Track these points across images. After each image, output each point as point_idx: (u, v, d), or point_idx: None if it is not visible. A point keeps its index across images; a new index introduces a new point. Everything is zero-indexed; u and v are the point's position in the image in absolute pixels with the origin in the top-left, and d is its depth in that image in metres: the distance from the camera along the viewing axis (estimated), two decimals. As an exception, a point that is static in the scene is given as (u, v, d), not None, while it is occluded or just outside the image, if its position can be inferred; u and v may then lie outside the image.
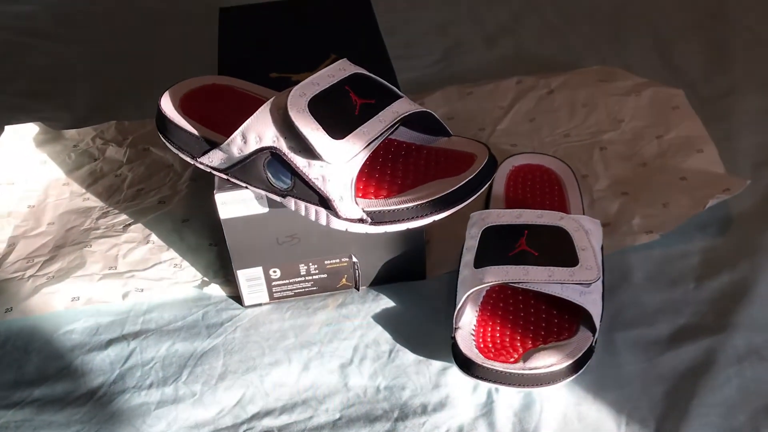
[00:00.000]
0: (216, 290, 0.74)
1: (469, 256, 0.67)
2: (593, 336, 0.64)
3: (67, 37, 1.17)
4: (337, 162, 0.56)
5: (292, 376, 0.66)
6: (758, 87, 0.96)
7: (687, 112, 0.88)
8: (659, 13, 1.12)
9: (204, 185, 0.85)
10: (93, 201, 0.86)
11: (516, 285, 0.63)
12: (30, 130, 0.94)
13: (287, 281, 0.71)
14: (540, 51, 1.06)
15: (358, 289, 0.73)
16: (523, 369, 0.61)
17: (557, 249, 0.65)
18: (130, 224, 0.82)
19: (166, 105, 0.66)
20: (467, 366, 0.62)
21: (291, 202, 0.60)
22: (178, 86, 0.68)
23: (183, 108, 0.66)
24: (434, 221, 0.58)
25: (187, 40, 1.14)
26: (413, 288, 0.73)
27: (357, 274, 0.71)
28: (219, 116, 0.65)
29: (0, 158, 0.90)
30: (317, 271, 0.71)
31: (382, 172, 0.61)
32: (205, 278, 0.75)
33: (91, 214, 0.84)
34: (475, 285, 0.64)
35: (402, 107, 0.59)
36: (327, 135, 0.56)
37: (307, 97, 0.57)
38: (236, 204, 0.64)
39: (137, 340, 0.70)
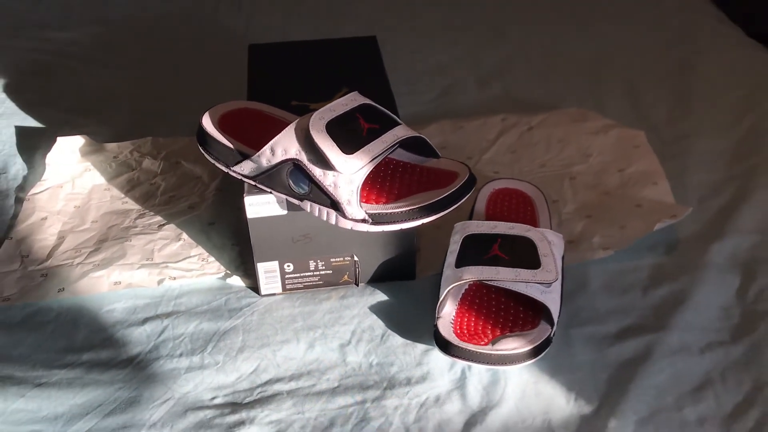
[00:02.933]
0: (237, 282, 0.87)
1: (451, 258, 0.80)
2: (551, 328, 0.77)
3: (107, 61, 1.32)
4: (347, 172, 0.70)
5: (300, 352, 0.79)
6: (713, 131, 1.10)
7: (646, 150, 1.02)
8: (635, 64, 1.27)
9: (228, 195, 0.99)
10: (131, 204, 1.00)
11: (488, 282, 0.77)
12: (77, 142, 1.08)
13: (298, 275, 0.84)
14: (526, 93, 1.21)
15: (358, 285, 0.86)
16: (492, 350, 0.74)
17: (524, 254, 0.78)
18: (164, 224, 0.95)
19: (207, 122, 0.80)
20: (445, 347, 0.75)
21: (307, 205, 0.74)
22: (215, 108, 0.82)
23: (220, 125, 0.80)
24: (423, 224, 0.72)
25: (212, 71, 1.29)
26: (404, 286, 0.86)
27: (357, 272, 0.84)
28: (250, 134, 0.79)
29: (52, 164, 1.03)
30: (324, 268, 0.84)
31: (382, 184, 0.75)
32: (228, 271, 0.88)
33: (130, 215, 0.97)
34: (455, 281, 0.77)
35: (401, 132, 0.73)
36: (340, 151, 0.70)
37: (325, 120, 0.71)
38: (261, 206, 0.77)
39: (170, 319, 0.83)
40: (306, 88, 0.92)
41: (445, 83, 1.24)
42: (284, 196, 0.75)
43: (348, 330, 0.81)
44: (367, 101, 0.75)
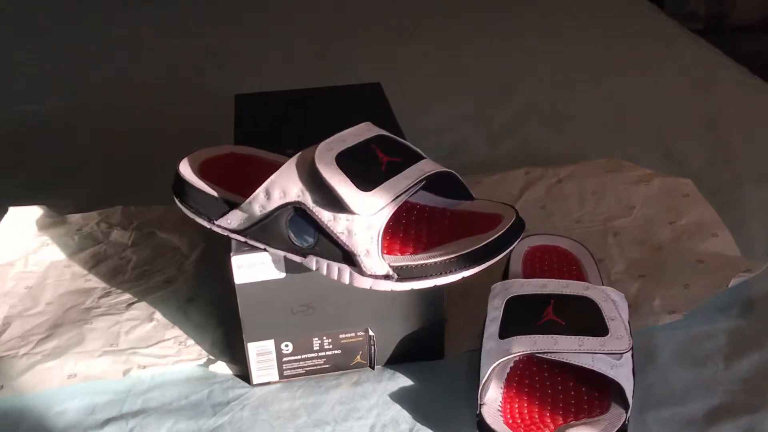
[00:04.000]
0: (222, 368, 0.70)
1: (493, 327, 0.64)
2: (626, 413, 0.60)
3: (76, 132, 1.18)
4: (365, 213, 0.54)
5: (305, 455, 0.61)
6: (764, 178, 0.97)
7: (697, 198, 0.89)
8: (659, 115, 1.15)
9: (210, 266, 0.83)
10: (95, 282, 0.83)
11: (544, 356, 0.61)
12: (33, 212, 0.92)
13: (299, 357, 0.67)
14: (543, 147, 1.08)
15: (374, 368, 0.69)
16: (557, 443, 0.57)
17: (585, 319, 0.63)
18: (133, 303, 0.78)
19: (185, 169, 0.65)
20: (494, 440, 0.58)
21: (312, 261, 0.58)
22: (196, 153, 0.68)
23: (201, 173, 0.65)
24: (463, 278, 0.56)
25: (191, 139, 1.15)
26: (432, 367, 0.70)
27: (373, 351, 0.68)
28: (238, 180, 0.64)
29: (2, 238, 0.87)
30: (331, 346, 0.67)
31: (406, 232, 0.60)
32: (211, 356, 0.71)
33: (93, 294, 0.81)
34: (501, 356, 0.61)
35: (427, 166, 0.59)
36: (355, 187, 0.55)
37: (335, 151, 0.56)
38: (253, 268, 0.62)
39: (137, 419, 0.65)
40: (304, 137, 0.78)
41: (453, 139, 1.11)
42: (282, 253, 0.60)
43: (365, 425, 0.63)
44: (384, 132, 0.61)
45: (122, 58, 1.44)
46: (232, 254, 0.61)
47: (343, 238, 0.55)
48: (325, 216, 0.56)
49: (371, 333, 0.67)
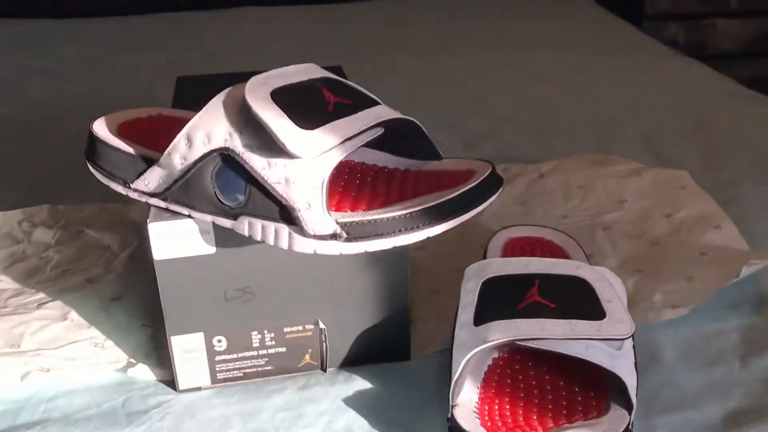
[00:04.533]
0: (144, 373, 0.58)
1: (467, 314, 0.54)
2: (629, 415, 0.49)
3: (8, 138, 1.08)
4: (306, 154, 0.44)
5: (235, 471, 0.49)
6: (763, 177, 0.88)
7: (696, 190, 0.79)
8: (645, 121, 1.07)
9: (144, 264, 0.72)
10: (6, 283, 0.71)
11: (528, 345, 0.50)
12: (-57, 212, 0.81)
13: (235, 356, 0.56)
14: (523, 151, 0.99)
15: (325, 370, 0.58)
16: (548, 447, 0.46)
17: (578, 301, 0.52)
18: (46, 302, 0.67)
19: (99, 127, 0.54)
20: (468, 443, 0.46)
21: (244, 223, 0.47)
22: (116, 114, 0.57)
23: (120, 133, 0.55)
24: (428, 238, 0.46)
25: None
26: (395, 370, 0.58)
27: (324, 348, 0.57)
28: (162, 140, 0.53)
29: None
30: (274, 343, 0.56)
31: (359, 191, 0.50)
32: (132, 359, 0.60)
33: (1, 296, 0.69)
34: (476, 345, 0.50)
35: (384, 111, 0.49)
36: (293, 124, 0.45)
37: (271, 86, 0.46)
38: (175, 239, 0.51)
39: (33, 431, 0.53)
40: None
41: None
42: (210, 218, 0.49)
43: (316, 431, 0.52)
44: (333, 75, 0.51)
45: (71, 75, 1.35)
46: (148, 221, 0.50)
47: (280, 189, 0.45)
48: (257, 163, 0.45)
49: (322, 326, 0.56)
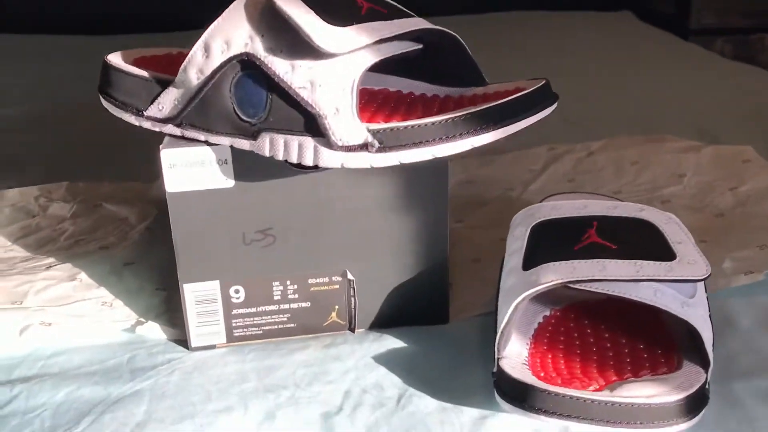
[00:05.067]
0: (153, 332, 0.53)
1: (514, 260, 0.47)
2: (705, 372, 0.42)
3: (30, 131, 1.05)
4: (335, 49, 0.39)
5: (248, 426, 0.43)
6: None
7: (761, 164, 0.73)
8: (699, 114, 1.01)
9: (162, 232, 0.67)
10: (17, 252, 0.67)
11: (587, 287, 0.43)
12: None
13: (254, 310, 0.50)
14: (561, 137, 0.92)
15: (354, 330, 0.52)
16: (614, 397, 0.39)
17: (643, 242, 0.46)
18: (55, 265, 0.62)
19: (114, 58, 0.50)
20: (524, 395, 0.39)
21: (265, 141, 0.42)
22: (132, 50, 0.53)
23: (136, 63, 0.51)
24: (473, 148, 0.40)
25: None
26: (431, 331, 0.52)
27: (353, 304, 0.51)
28: (179, 66, 0.49)
29: None
30: (297, 296, 0.50)
31: (394, 112, 0.44)
32: (141, 319, 0.54)
33: (11, 262, 0.65)
34: (527, 289, 0.44)
35: (422, 23, 0.44)
36: (322, 21, 0.40)
37: (297, -15, 0.42)
38: (190, 169, 0.46)
39: (25, 385, 0.47)
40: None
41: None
42: (228, 141, 0.44)
43: (337, 390, 0.46)
44: (367, -11, 0.47)
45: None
46: (161, 148, 0.46)
47: (305, 94, 0.40)
48: (280, 67, 0.40)
49: (351, 277, 0.50)
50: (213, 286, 0.49)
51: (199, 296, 0.50)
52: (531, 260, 0.46)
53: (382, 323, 0.52)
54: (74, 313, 0.55)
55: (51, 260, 0.63)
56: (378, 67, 0.46)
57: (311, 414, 0.43)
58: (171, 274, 0.55)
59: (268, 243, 0.49)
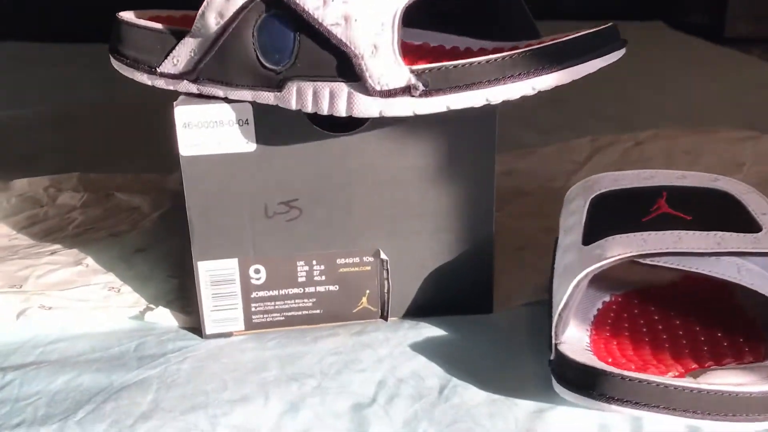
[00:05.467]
0: (164, 319, 0.48)
1: (571, 236, 0.42)
2: (800, 361, 0.36)
3: (49, 129, 1.02)
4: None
5: (268, 418, 0.37)
6: None
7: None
8: (746, 111, 0.95)
9: (175, 221, 0.62)
10: (22, 240, 0.62)
11: (660, 262, 0.38)
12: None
13: (276, 293, 0.45)
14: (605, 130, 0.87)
15: (387, 318, 0.46)
16: (700, 384, 0.33)
17: (722, 213, 0.40)
18: (60, 251, 0.57)
19: (127, 14, 0.46)
20: (592, 382, 0.34)
21: (291, 91, 0.37)
22: (146, 11, 0.49)
23: (151, 20, 0.46)
24: (534, 91, 0.34)
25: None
26: (474, 322, 0.46)
27: (386, 289, 0.45)
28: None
29: None
30: (324, 278, 0.45)
31: (437, 60, 0.39)
32: (151, 305, 0.49)
33: (14, 249, 0.60)
34: (590, 264, 0.38)
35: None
36: (357, -56, 0.35)
37: None
38: (206, 130, 0.41)
39: (20, 372, 0.42)
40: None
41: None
42: (250, 93, 0.39)
43: (370, 380, 0.40)
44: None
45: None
46: (175, 104, 0.41)
47: (338, 31, 0.35)
48: (310, 3, 0.36)
49: (384, 257, 0.45)
50: (231, 265, 0.44)
51: (215, 276, 0.44)
52: (593, 234, 0.40)
53: (418, 311, 0.46)
54: (78, 297, 0.50)
55: (56, 246, 0.59)
56: (416, 22, 0.41)
57: (340, 405, 0.38)
58: (185, 262, 0.50)
59: (292, 216, 0.44)
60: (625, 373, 0.33)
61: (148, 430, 0.37)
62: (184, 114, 0.41)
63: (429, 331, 0.44)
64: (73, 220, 0.66)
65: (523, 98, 0.36)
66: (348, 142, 0.42)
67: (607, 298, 0.43)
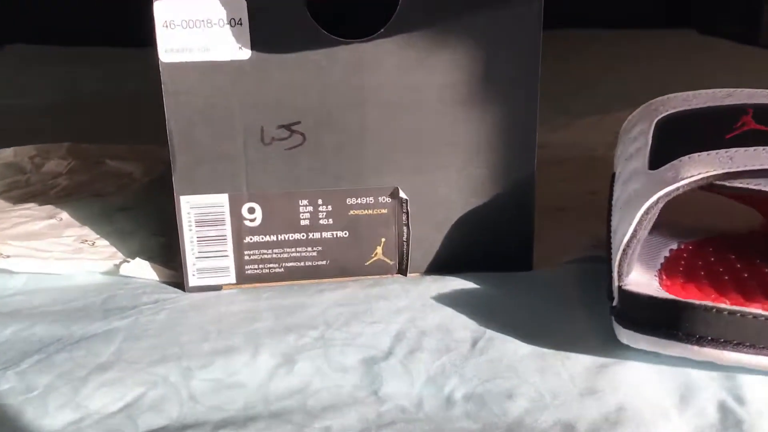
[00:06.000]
0: (141, 271, 0.40)
1: (636, 162, 0.34)
2: None
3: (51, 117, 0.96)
4: None
5: (256, 371, 0.30)
6: None
7: None
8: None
9: (168, 185, 0.55)
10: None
11: (750, 183, 0.30)
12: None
13: (273, 238, 0.38)
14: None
15: (405, 273, 0.39)
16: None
17: (823, 129, 0.32)
18: (34, 207, 0.50)
19: None
20: (676, 320, 0.26)
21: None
22: None
23: None
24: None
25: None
26: (510, 278, 0.39)
27: (406, 236, 0.38)
28: None
29: None
30: (331, 221, 0.38)
31: None
32: (127, 259, 0.42)
33: (-13, 211, 0.53)
34: (663, 187, 0.30)
35: None
36: None
37: None
38: (192, 31, 0.34)
39: (-36, 323, 0.35)
40: None
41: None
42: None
43: (386, 332, 0.32)
44: None
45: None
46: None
47: None
48: None
49: (404, 197, 0.37)
50: (220, 202, 0.37)
51: (201, 215, 0.37)
52: (663, 156, 0.32)
53: (444, 266, 0.39)
54: (43, 248, 0.43)
55: (31, 204, 0.52)
56: None
57: (348, 359, 0.30)
58: (174, 222, 0.43)
59: (294, 144, 0.36)
60: (723, 306, 0.25)
61: (104, 383, 0.29)
62: (164, 9, 0.34)
63: (456, 283, 0.37)
64: (56, 186, 0.59)
65: None
66: (363, 50, 0.35)
67: (674, 246, 0.36)
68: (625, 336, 0.28)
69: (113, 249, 0.43)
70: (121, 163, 0.63)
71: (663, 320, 0.26)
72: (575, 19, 1.61)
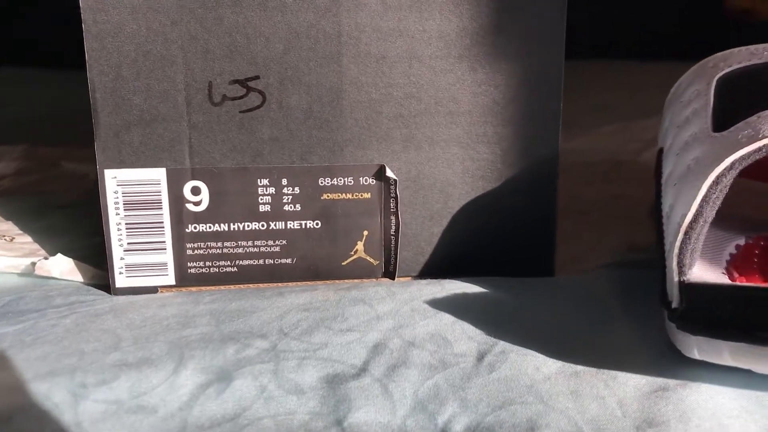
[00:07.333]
0: (61, 269, 0.32)
1: (694, 127, 0.26)
2: None
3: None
4: None
5: (176, 393, 0.21)
6: None
7: None
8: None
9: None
10: None
11: None
12: None
13: (224, 228, 0.30)
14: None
15: (393, 276, 0.31)
16: None
17: None
18: (-46, 203, 0.43)
19: None
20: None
21: None
22: None
23: None
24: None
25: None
26: (525, 283, 0.30)
27: (394, 228, 0.30)
28: None
29: None
30: (299, 207, 0.30)
31: None
32: (47, 256, 0.34)
33: None
34: (735, 150, 0.23)
35: None
36: None
37: None
38: (121, -49, 0.27)
39: None
40: None
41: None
42: None
43: (361, 342, 0.24)
44: None
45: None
46: None
47: None
48: None
49: (393, 176, 0.30)
50: (155, 178, 0.29)
51: (131, 195, 0.29)
52: (732, 115, 0.25)
53: (442, 268, 0.31)
54: (-55, 243, 0.35)
55: (-45, 202, 0.44)
56: None
57: (305, 376, 0.22)
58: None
59: (251, 105, 0.29)
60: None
61: (-42, 402, 0.21)
62: (87, -75, 0.27)
63: (457, 286, 0.28)
64: (-2, 187, 0.52)
65: None
66: (340, -14, 0.28)
67: (741, 241, 0.27)
68: (696, 347, 0.20)
69: (35, 246, 0.35)
70: (77, 165, 0.55)
71: (759, 321, 0.18)
72: (607, 48, 1.54)
